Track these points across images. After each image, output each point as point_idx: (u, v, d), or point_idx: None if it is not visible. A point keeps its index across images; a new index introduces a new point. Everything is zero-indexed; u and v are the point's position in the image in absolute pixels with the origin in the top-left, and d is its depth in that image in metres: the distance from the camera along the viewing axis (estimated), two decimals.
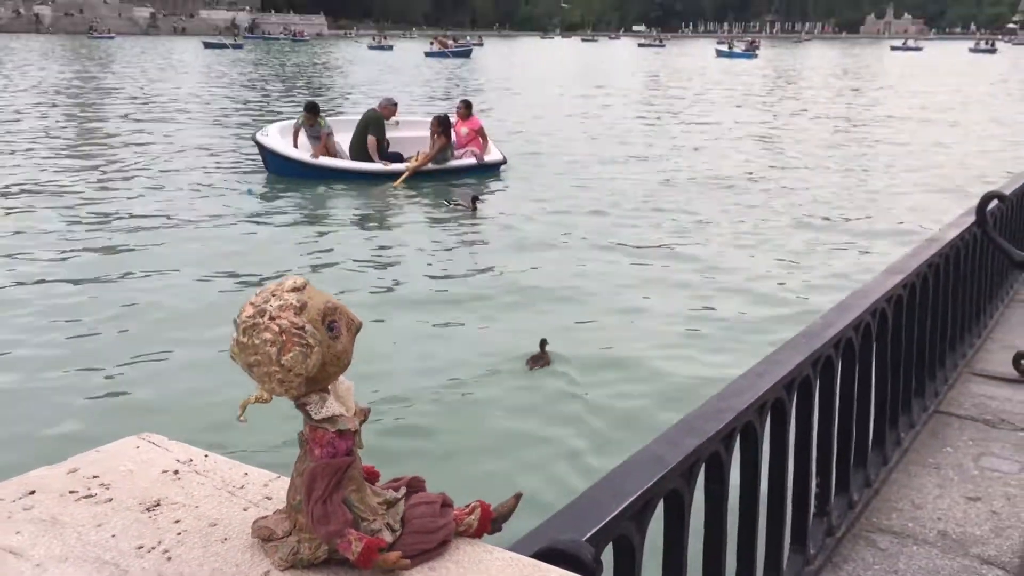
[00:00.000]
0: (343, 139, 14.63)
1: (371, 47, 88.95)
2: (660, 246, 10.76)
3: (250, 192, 13.39)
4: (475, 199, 12.07)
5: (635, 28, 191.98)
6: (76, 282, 8.99)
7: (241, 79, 42.18)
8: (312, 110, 14.56)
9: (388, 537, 1.16)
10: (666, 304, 8.52)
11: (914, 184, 15.42)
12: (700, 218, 12.35)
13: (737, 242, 11.07)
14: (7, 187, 13.68)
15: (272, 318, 1.10)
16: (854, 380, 3.51)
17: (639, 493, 1.86)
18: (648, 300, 8.65)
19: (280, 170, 14.10)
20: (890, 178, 16.10)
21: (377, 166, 14.35)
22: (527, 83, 42.24)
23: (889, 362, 3.85)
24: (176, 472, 1.39)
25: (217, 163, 15.93)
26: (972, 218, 4.97)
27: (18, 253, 9.93)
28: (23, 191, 13.43)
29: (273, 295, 1.12)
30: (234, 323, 1.13)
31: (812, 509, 3.26)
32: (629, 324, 7.98)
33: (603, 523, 1.71)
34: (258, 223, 11.57)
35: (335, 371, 1.15)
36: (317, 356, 1.10)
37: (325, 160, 14.19)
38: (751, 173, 16.16)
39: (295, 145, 14.24)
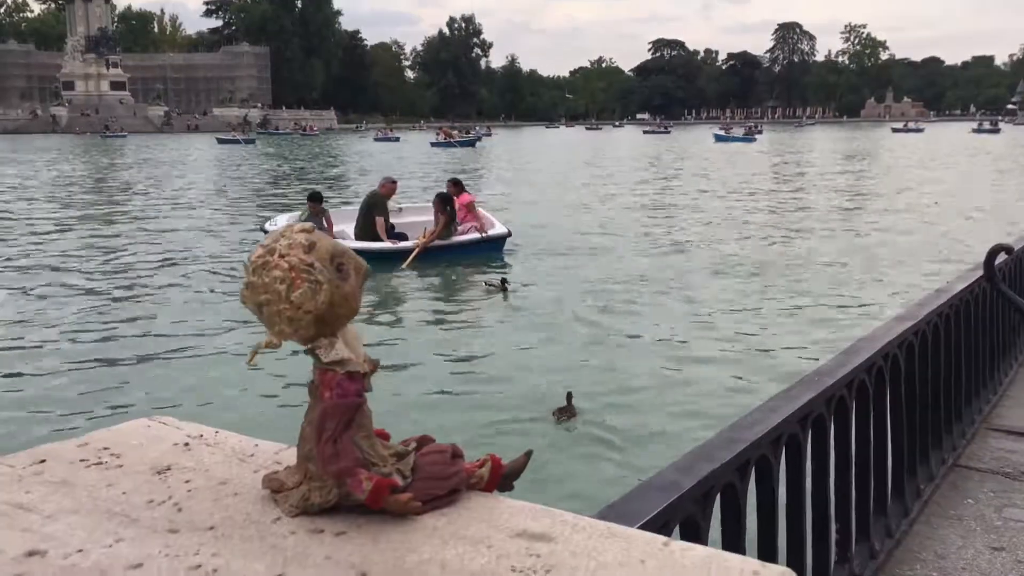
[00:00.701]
0: (348, 227, 14.82)
1: (377, 139, 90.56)
2: (671, 320, 10.80)
3: None
4: (504, 282, 12.14)
5: (638, 116, 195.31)
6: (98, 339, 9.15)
7: (252, 172, 42.90)
8: (316, 199, 14.76)
9: (399, 480, 1.15)
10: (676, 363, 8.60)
11: (923, 245, 15.57)
12: (710, 288, 12.48)
13: (755, 311, 11.19)
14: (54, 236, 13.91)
15: (282, 256, 1.11)
16: (870, 424, 3.48)
17: (654, 515, 1.84)
18: (674, 365, 8.73)
19: None
20: (894, 244, 16.24)
21: (387, 245, 14.47)
22: (532, 170, 42.84)
23: (904, 410, 3.83)
24: (187, 444, 1.38)
25: (227, 251, 16.06)
26: (980, 272, 4.96)
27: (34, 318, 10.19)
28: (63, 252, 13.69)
29: (283, 235, 1.13)
30: (244, 266, 1.14)
31: (833, 555, 3.20)
32: (659, 387, 8.10)
33: None
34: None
35: (344, 313, 1.16)
36: (326, 294, 1.11)
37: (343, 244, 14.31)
38: (747, 247, 16.29)
39: None
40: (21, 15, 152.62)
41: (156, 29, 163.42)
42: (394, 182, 15.57)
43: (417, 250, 14.15)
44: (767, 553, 2.59)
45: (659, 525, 1.85)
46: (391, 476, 1.15)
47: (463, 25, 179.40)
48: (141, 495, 1.20)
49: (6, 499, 1.18)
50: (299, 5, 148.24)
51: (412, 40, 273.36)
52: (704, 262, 14.78)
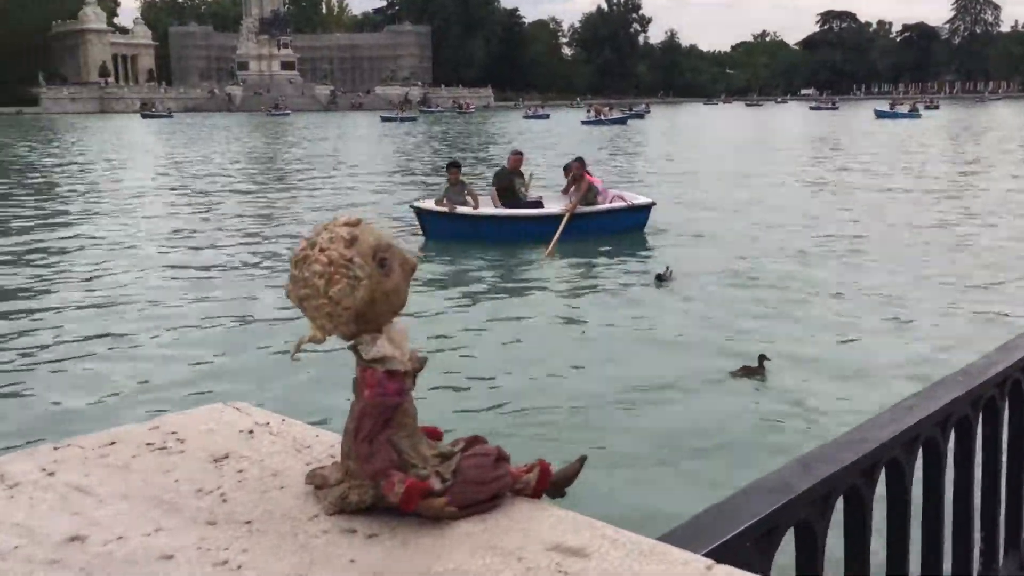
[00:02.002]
0: (484, 202, 14.95)
1: (527, 116, 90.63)
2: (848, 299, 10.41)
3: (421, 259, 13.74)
4: (659, 276, 11.39)
5: (803, 92, 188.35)
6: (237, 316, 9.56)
7: (410, 148, 43.86)
8: (455, 167, 14.90)
9: (437, 484, 1.12)
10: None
11: None
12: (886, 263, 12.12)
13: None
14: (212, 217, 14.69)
15: (322, 250, 1.09)
16: None
17: (762, 517, 1.74)
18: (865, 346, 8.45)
19: (438, 234, 14.36)
20: None
21: (535, 211, 14.51)
22: (686, 148, 41.97)
23: None
24: (251, 431, 1.40)
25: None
26: None
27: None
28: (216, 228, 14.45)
29: (326, 229, 1.11)
30: (290, 260, 1.13)
31: (976, 566, 2.98)
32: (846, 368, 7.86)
33: (720, 542, 1.61)
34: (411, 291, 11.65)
35: (386, 310, 1.13)
36: (365, 290, 1.09)
37: (483, 210, 14.42)
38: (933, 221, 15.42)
39: None
40: None
41: (324, 10, 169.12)
42: (520, 153, 15.64)
43: (560, 228, 13.95)
44: (896, 562, 2.43)
45: (767, 528, 1.75)
46: (429, 478, 1.12)
47: (622, 1, 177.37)
48: (192, 483, 1.22)
49: (67, 480, 1.22)
50: None
51: (570, 17, 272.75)
52: (857, 246, 14.14)
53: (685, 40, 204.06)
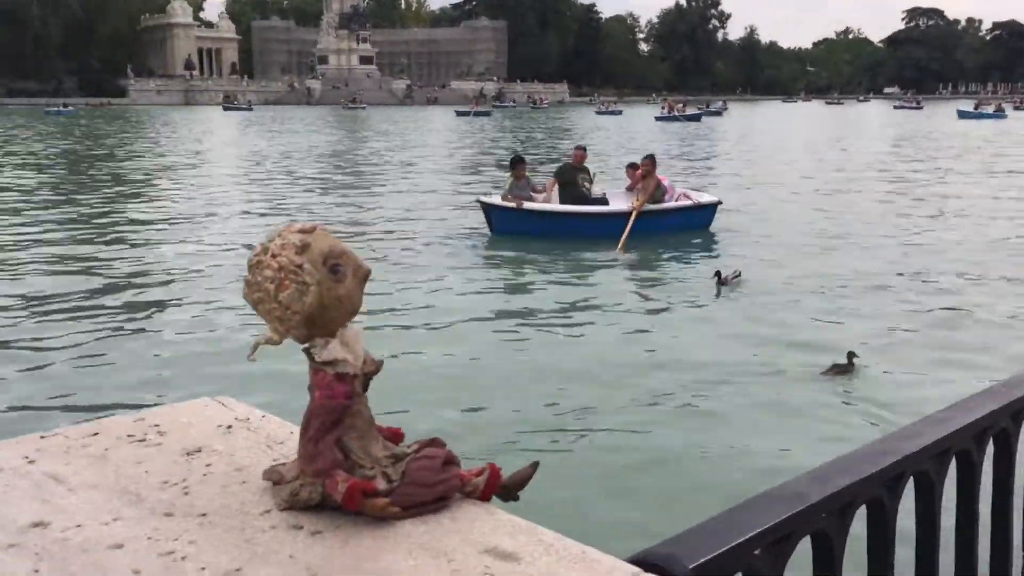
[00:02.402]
0: (544, 196, 14.94)
1: (599, 112, 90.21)
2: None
3: (474, 245, 13.79)
4: (720, 277, 10.89)
5: (886, 90, 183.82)
6: None
7: (485, 143, 44.03)
8: (518, 162, 14.88)
9: (382, 485, 1.15)
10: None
11: None
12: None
13: None
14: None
15: (274, 256, 1.13)
16: None
17: (774, 524, 1.72)
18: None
19: (505, 228, 14.39)
20: None
21: (603, 208, 14.49)
22: (762, 146, 41.31)
23: None
24: (229, 427, 1.45)
25: (446, 222, 16.55)
26: None
27: None
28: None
29: (280, 235, 1.15)
30: (247, 264, 1.17)
31: None
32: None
33: (728, 547, 1.60)
34: (477, 286, 11.69)
35: (338, 315, 1.16)
36: (314, 295, 1.12)
37: (551, 205, 14.44)
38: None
39: None
40: None
41: (403, 5, 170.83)
42: (583, 149, 15.62)
43: (629, 224, 13.87)
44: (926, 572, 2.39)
45: (780, 536, 1.74)
46: (375, 479, 1.15)
47: None
48: (160, 476, 1.27)
49: (45, 468, 1.28)
50: None
51: (648, 12, 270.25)
52: (934, 246, 13.80)
53: (765, 37, 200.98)
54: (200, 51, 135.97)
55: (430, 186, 23.04)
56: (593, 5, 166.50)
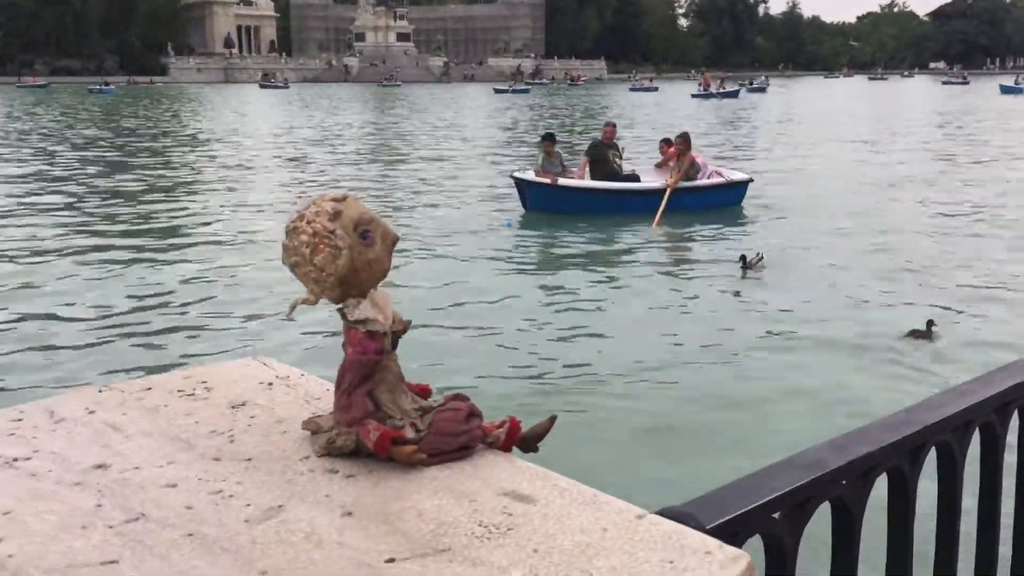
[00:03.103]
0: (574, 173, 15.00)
1: (633, 88, 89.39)
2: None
3: (508, 225, 13.87)
4: (745, 261, 10.73)
5: (932, 65, 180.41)
6: None
7: (521, 119, 43.99)
8: (549, 139, 14.94)
9: (410, 434, 1.25)
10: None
11: None
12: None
13: None
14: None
15: (308, 222, 1.23)
16: None
17: (791, 489, 1.78)
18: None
19: (537, 204, 14.46)
20: None
21: (637, 185, 14.56)
22: (800, 125, 40.84)
23: None
24: (271, 384, 1.56)
25: (480, 198, 16.66)
26: None
27: None
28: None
29: (314, 203, 1.25)
30: (284, 230, 1.28)
31: None
32: None
33: (745, 510, 1.67)
34: (510, 260, 11.81)
35: (368, 277, 1.26)
36: (346, 258, 1.22)
37: (584, 182, 14.51)
38: None
39: None
40: None
41: None
42: (613, 125, 15.70)
43: (664, 202, 13.94)
44: (945, 545, 2.44)
45: (798, 502, 1.81)
46: (403, 428, 1.25)
47: None
48: (208, 426, 1.38)
49: (104, 418, 1.40)
50: None
51: None
52: (975, 221, 13.66)
53: (808, 11, 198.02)
54: (239, 29, 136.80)
55: (465, 162, 23.16)
56: None
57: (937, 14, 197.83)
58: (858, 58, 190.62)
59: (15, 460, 1.26)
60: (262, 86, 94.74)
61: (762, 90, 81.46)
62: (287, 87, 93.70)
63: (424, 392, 1.36)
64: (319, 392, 1.51)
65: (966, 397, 2.52)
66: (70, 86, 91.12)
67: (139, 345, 7.85)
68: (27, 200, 16.41)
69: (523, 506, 1.14)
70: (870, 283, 10.07)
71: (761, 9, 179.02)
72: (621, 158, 15.20)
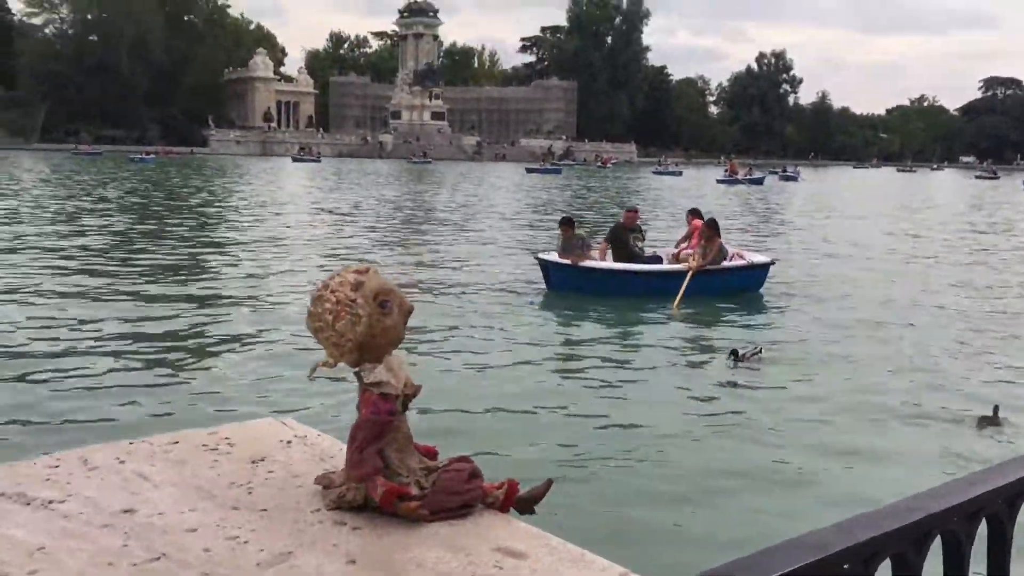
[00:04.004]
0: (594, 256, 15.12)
1: (656, 172, 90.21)
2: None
3: (531, 303, 13.97)
4: (738, 356, 10.13)
5: (962, 159, 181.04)
6: None
7: (547, 199, 44.50)
8: (567, 223, 15.09)
9: (415, 491, 1.34)
10: None
11: None
12: None
13: None
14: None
15: (332, 291, 1.35)
16: None
17: (791, 570, 1.82)
18: None
19: (560, 285, 14.57)
20: None
21: (659, 267, 14.61)
22: (824, 210, 41.02)
23: None
24: (289, 442, 1.66)
25: (506, 276, 16.80)
26: None
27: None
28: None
29: (339, 274, 1.37)
30: (310, 297, 1.39)
31: None
32: None
33: None
34: (530, 336, 11.90)
35: (385, 343, 1.37)
36: (365, 326, 1.34)
37: (607, 264, 14.60)
38: None
39: None
40: (362, 50, 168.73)
41: (476, 64, 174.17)
42: (635, 211, 15.88)
43: (686, 281, 13.95)
44: None
45: None
46: (408, 485, 1.34)
47: (772, 60, 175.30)
48: (229, 478, 1.48)
49: (133, 468, 1.51)
50: (609, 42, 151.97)
51: (718, 76, 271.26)
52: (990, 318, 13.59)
53: (837, 102, 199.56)
54: (279, 103, 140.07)
55: (495, 238, 23.43)
56: (664, 67, 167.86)
57: (967, 109, 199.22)
58: (887, 149, 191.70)
59: (51, 503, 1.36)
60: (295, 159, 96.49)
61: (794, 178, 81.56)
62: (319, 161, 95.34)
63: (430, 453, 1.45)
64: (333, 451, 1.61)
65: (975, 486, 2.56)
66: (116, 154, 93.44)
67: (170, 401, 8.07)
68: (64, 260, 16.79)
69: (514, 561, 1.22)
70: (893, 374, 10.03)
71: (791, 99, 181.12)
72: (643, 240, 15.34)
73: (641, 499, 6.20)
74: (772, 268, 15.27)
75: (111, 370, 9.01)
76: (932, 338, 12.03)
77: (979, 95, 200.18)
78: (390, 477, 1.35)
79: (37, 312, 11.85)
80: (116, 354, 9.71)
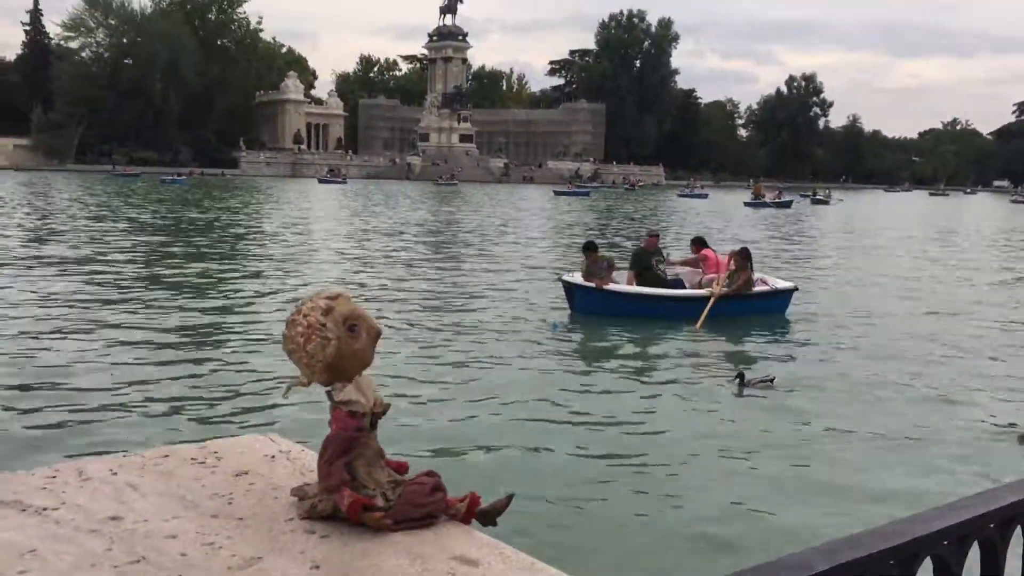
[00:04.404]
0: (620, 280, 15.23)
1: (681, 195, 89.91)
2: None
3: (555, 327, 14.04)
4: (743, 380, 10.08)
5: (996, 183, 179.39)
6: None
7: (575, 220, 44.62)
8: (590, 248, 15.20)
9: (380, 502, 1.44)
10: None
11: None
12: None
13: None
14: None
15: (304, 315, 1.45)
16: None
17: None
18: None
19: (585, 307, 14.66)
20: None
21: (682, 292, 14.70)
22: (853, 235, 40.81)
23: None
24: (273, 457, 1.76)
25: (532, 297, 16.91)
26: None
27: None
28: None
29: (311, 299, 1.47)
30: (285, 321, 1.50)
31: None
32: None
33: None
34: (551, 357, 12.01)
35: (354, 364, 1.47)
36: (333, 348, 1.44)
37: (631, 287, 14.71)
38: None
39: None
40: (391, 73, 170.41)
41: (504, 87, 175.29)
42: (656, 235, 15.97)
43: (709, 306, 14.06)
44: None
45: None
46: (374, 497, 1.44)
47: (803, 84, 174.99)
48: (213, 489, 1.58)
49: (125, 479, 1.61)
50: (638, 65, 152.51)
51: (748, 99, 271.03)
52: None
53: (869, 125, 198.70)
54: (309, 125, 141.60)
55: (519, 260, 23.55)
56: (693, 90, 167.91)
57: (1000, 133, 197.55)
58: (919, 173, 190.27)
59: (44, 509, 1.47)
60: (321, 180, 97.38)
61: (825, 202, 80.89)
62: (345, 182, 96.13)
63: (401, 468, 1.55)
64: (313, 465, 1.71)
65: (964, 511, 2.61)
66: (147, 175, 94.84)
67: (162, 415, 8.42)
68: (76, 277, 17.09)
69: (467, 568, 1.31)
70: (912, 402, 10.00)
71: (821, 122, 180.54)
72: (665, 263, 15.44)
73: (611, 516, 6.28)
74: (795, 294, 15.31)
75: (107, 388, 9.27)
76: (952, 363, 11.99)
77: (1012, 119, 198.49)
78: (357, 489, 1.44)
79: (43, 327, 12.14)
80: (119, 369, 10.00)
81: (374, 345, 1.49)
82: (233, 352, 11.30)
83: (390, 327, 14.08)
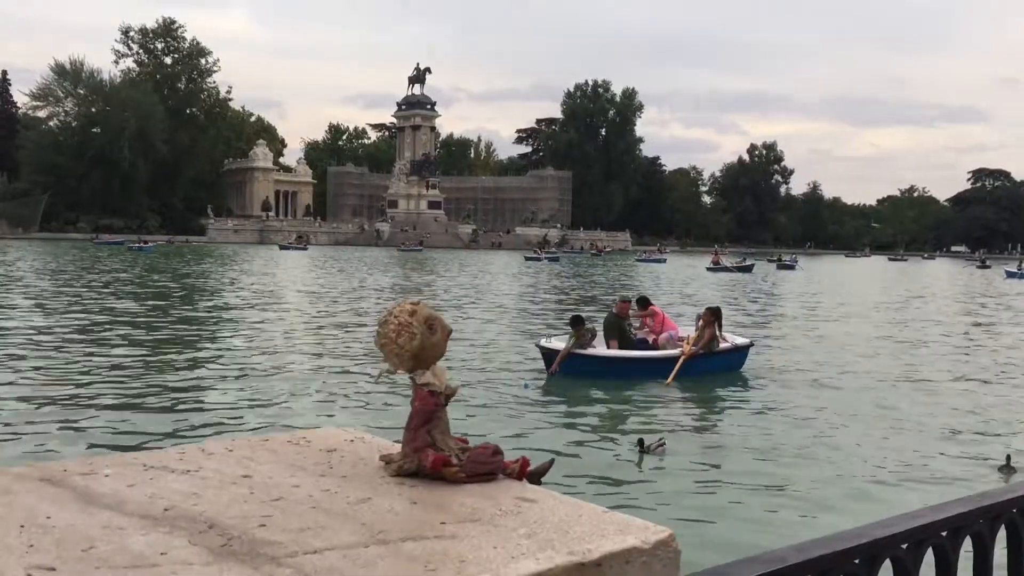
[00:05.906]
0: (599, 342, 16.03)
1: (640, 259, 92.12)
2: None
3: (526, 386, 14.49)
4: (656, 444, 10.44)
5: (953, 249, 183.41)
6: None
7: (545, 288, 45.23)
8: (577, 323, 15.86)
9: (454, 460, 1.86)
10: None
11: None
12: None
13: None
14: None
15: (395, 317, 1.89)
16: None
17: None
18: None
19: (561, 369, 15.24)
20: None
21: (654, 353, 15.48)
22: (811, 297, 41.78)
23: None
24: (352, 440, 2.17)
25: (504, 361, 17.35)
26: None
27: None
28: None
29: (399, 305, 1.91)
30: (378, 322, 1.93)
31: None
32: None
33: None
34: (530, 411, 12.50)
35: (432, 355, 1.90)
36: (418, 341, 1.87)
37: (603, 351, 15.39)
38: None
39: None
40: (359, 141, 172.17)
41: (472, 154, 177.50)
42: (627, 301, 16.89)
43: (678, 365, 14.81)
44: None
45: None
46: (450, 456, 1.86)
47: (764, 152, 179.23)
48: (312, 460, 2.00)
49: (241, 454, 2.02)
50: (603, 133, 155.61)
51: (711, 166, 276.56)
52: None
53: (829, 192, 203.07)
54: (277, 193, 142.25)
55: (495, 322, 23.99)
56: (657, 158, 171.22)
57: (957, 200, 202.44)
58: (879, 239, 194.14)
59: (188, 471, 1.87)
60: (282, 247, 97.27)
61: (791, 267, 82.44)
62: (306, 248, 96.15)
63: (462, 441, 1.97)
64: (385, 447, 2.12)
65: (920, 518, 3.01)
66: (112, 243, 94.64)
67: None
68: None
69: (528, 504, 1.73)
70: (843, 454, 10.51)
71: (783, 189, 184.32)
72: (632, 326, 16.42)
73: None
74: (751, 349, 16.33)
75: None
76: (912, 409, 12.58)
77: (968, 186, 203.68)
78: (436, 450, 1.86)
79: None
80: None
81: (446, 340, 1.92)
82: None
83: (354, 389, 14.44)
